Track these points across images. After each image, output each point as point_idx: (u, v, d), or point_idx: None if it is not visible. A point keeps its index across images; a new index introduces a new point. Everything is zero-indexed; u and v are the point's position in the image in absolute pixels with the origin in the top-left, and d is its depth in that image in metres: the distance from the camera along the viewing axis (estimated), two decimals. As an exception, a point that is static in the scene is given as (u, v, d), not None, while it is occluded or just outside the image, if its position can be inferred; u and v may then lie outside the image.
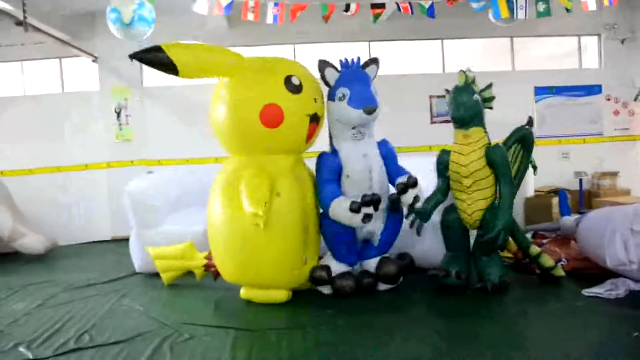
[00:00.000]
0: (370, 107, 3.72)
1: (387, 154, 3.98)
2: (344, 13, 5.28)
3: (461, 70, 3.74)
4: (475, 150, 3.67)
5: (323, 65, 3.90)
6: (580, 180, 7.01)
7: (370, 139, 3.95)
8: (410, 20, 6.92)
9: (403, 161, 4.09)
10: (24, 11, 5.06)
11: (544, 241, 4.55)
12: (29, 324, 3.67)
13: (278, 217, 3.53)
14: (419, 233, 3.88)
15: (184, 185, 5.35)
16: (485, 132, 3.78)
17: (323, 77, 3.90)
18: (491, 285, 3.74)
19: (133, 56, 3.33)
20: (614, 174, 7.23)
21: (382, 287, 3.99)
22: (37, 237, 5.96)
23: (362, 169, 3.85)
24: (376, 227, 3.93)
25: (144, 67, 7.24)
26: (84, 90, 7.06)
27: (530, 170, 5.87)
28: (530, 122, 4.04)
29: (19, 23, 5.09)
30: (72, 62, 7.21)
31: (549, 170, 6.97)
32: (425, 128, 7.33)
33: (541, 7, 5.44)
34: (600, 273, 3.84)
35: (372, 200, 3.51)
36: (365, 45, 7.47)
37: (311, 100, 3.73)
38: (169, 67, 3.32)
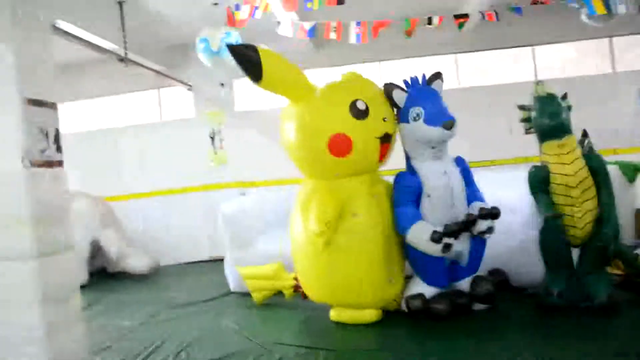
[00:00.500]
0: (449, 121, 3.57)
1: (465, 171, 3.86)
2: (428, 26, 5.19)
3: (538, 81, 3.72)
4: (577, 158, 3.50)
5: (389, 87, 3.78)
6: None
7: (447, 156, 3.84)
8: (498, 28, 6.69)
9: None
10: (125, 48, 5.47)
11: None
12: (134, 340, 3.93)
13: (357, 237, 3.56)
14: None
15: (275, 205, 5.45)
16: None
17: (391, 100, 3.78)
18: (599, 302, 3.46)
19: (230, 47, 3.44)
20: None
21: (477, 306, 3.80)
22: (141, 258, 6.38)
23: (444, 187, 3.71)
24: (463, 247, 3.74)
25: (236, 92, 7.61)
26: (180, 118, 7.52)
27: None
28: (584, 135, 3.71)
29: (121, 59, 5.53)
30: (169, 91, 7.71)
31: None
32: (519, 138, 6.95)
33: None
34: None
35: (455, 231, 3.45)
36: (452, 58, 7.29)
37: (379, 121, 3.61)
38: (255, 68, 3.35)
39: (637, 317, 3.40)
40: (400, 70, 7.33)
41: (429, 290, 3.76)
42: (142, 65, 6.08)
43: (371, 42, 5.59)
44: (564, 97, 3.64)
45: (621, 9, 5.02)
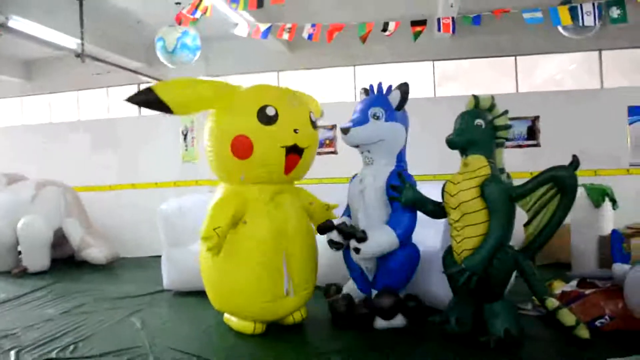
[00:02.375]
0: (342, 128, 3.75)
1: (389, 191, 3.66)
2: (382, 32, 5.01)
3: (472, 95, 3.43)
4: (468, 180, 3.27)
5: (362, 91, 4.01)
6: (685, 218, 5.82)
7: (381, 166, 3.74)
8: (480, 36, 6.46)
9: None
10: (82, 44, 5.57)
11: (587, 291, 3.77)
12: (40, 330, 3.97)
13: (243, 245, 3.46)
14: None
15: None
16: (491, 162, 3.32)
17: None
18: (494, 340, 3.20)
19: (128, 100, 3.38)
20: None
21: (380, 324, 3.67)
22: (101, 249, 6.46)
23: (357, 194, 3.77)
24: (366, 262, 3.74)
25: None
26: (156, 114, 7.54)
27: (608, 204, 5.16)
28: (575, 162, 3.24)
29: (78, 56, 5.63)
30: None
31: (647, 204, 5.93)
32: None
33: (615, 12, 4.68)
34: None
35: (334, 227, 3.65)
36: (429, 65, 7.05)
37: (288, 131, 3.48)
38: (160, 106, 3.33)
39: (535, 356, 3.14)
40: (375, 76, 7.16)
41: (357, 295, 3.88)
42: (101, 61, 6.14)
43: (349, 46, 5.50)
44: (501, 114, 3.35)
45: (588, 20, 4.71)
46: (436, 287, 3.84)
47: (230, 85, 3.68)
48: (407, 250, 3.67)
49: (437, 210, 3.56)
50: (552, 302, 3.24)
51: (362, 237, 3.45)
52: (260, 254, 3.47)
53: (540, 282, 3.33)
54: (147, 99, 3.33)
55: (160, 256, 4.96)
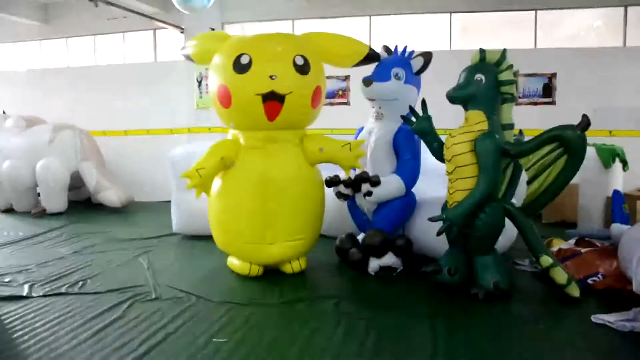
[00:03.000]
0: (364, 79, 3.90)
1: (398, 142, 3.92)
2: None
3: (479, 48, 3.38)
4: (463, 134, 3.29)
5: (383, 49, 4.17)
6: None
7: (390, 122, 3.96)
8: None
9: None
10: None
11: (583, 250, 3.80)
12: (52, 267, 4.19)
13: (229, 187, 3.69)
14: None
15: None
16: (490, 118, 3.28)
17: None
18: (483, 292, 3.28)
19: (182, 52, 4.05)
20: None
21: (373, 265, 3.86)
22: (116, 192, 6.64)
23: (365, 146, 3.96)
24: (367, 205, 3.99)
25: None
26: (172, 60, 7.59)
27: (618, 165, 5.08)
28: (584, 123, 3.08)
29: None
30: (164, 34, 7.77)
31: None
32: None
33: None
34: (637, 298, 3.11)
35: (337, 182, 3.84)
36: (446, 17, 6.86)
37: (263, 79, 3.42)
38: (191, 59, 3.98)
39: (522, 311, 3.19)
40: (390, 27, 7.01)
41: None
42: (115, 5, 6.11)
43: None
44: (506, 69, 3.26)
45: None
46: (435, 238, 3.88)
47: (225, 36, 3.85)
48: (408, 197, 3.98)
49: (440, 151, 3.56)
50: (546, 260, 3.26)
51: (377, 181, 3.73)
52: (242, 197, 3.63)
53: (538, 239, 3.35)
54: (183, 54, 4.01)
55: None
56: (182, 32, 7.44)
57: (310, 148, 3.78)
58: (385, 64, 3.97)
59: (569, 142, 3.11)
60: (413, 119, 3.68)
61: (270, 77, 3.42)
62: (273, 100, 3.45)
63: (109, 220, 6.15)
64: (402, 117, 3.74)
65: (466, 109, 3.37)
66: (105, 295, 3.48)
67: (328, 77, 4.01)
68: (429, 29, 7.00)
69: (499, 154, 3.23)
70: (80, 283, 3.74)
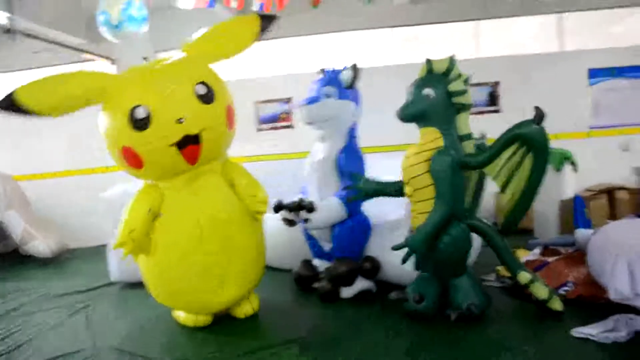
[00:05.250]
0: (295, 106, 4.00)
1: (340, 161, 3.79)
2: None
3: (426, 59, 3.15)
4: (419, 153, 3.09)
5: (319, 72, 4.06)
6: (642, 179, 5.80)
7: (334, 142, 3.85)
8: (439, 1, 6.24)
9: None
10: (11, 19, 5.07)
11: (550, 259, 3.68)
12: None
13: (162, 240, 3.18)
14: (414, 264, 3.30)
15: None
16: (445, 134, 3.09)
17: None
18: (456, 314, 3.09)
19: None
20: (687, 172, 5.91)
21: (346, 292, 3.75)
22: (46, 241, 6.05)
23: (308, 167, 3.95)
24: (319, 232, 3.92)
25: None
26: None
27: (569, 168, 5.07)
28: (539, 116, 2.92)
29: (7, 31, 5.12)
30: (95, 65, 7.29)
31: (606, 166, 5.89)
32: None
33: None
34: (611, 304, 2.98)
35: (281, 207, 3.72)
36: (387, 32, 6.80)
37: (171, 126, 2.91)
38: (25, 113, 2.87)
39: (500, 330, 3.00)
40: (335, 44, 6.87)
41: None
42: (35, 37, 5.62)
43: (307, 13, 5.20)
44: (456, 78, 3.08)
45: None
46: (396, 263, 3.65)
47: (102, 77, 3.11)
48: (356, 219, 3.83)
49: (399, 190, 3.37)
50: (525, 277, 3.09)
51: (310, 207, 3.58)
52: (179, 246, 3.17)
53: (512, 255, 3.19)
54: (6, 105, 2.84)
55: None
56: (112, 64, 6.99)
57: (227, 178, 3.37)
58: (316, 86, 3.89)
59: (530, 139, 2.90)
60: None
61: (178, 121, 2.91)
62: (189, 144, 2.99)
63: (40, 274, 5.55)
64: (345, 188, 3.55)
65: (420, 125, 3.17)
66: (35, 368, 3.02)
67: (269, 102, 3.76)
68: (370, 44, 6.91)
69: (456, 170, 3.03)
70: (4, 357, 3.22)
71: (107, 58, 6.89)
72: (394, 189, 3.41)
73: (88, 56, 6.69)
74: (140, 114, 2.88)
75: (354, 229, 3.80)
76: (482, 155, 3.07)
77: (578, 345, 2.71)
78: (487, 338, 2.92)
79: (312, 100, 3.79)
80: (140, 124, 2.88)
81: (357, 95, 3.95)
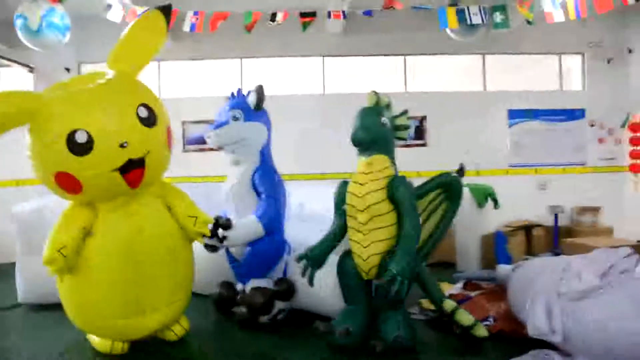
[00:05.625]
0: (206, 134, 3.94)
1: (254, 182, 3.82)
2: (270, 23, 4.72)
3: (373, 91, 3.25)
4: (375, 181, 3.11)
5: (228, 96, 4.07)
6: (556, 216, 6.19)
7: (247, 165, 3.87)
8: (370, 34, 6.42)
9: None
10: None
11: (472, 294, 3.82)
12: None
13: (91, 260, 2.99)
14: (311, 282, 3.32)
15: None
16: (393, 163, 3.23)
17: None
18: (381, 346, 3.09)
19: None
20: (596, 210, 6.43)
21: (264, 318, 3.71)
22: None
23: (226, 191, 3.92)
24: (237, 249, 3.83)
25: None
26: (17, 102, 6.65)
27: (490, 204, 5.32)
28: (461, 170, 3.37)
29: None
30: (10, 72, 6.84)
31: (523, 203, 6.26)
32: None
33: (498, 17, 4.78)
34: (530, 339, 3.10)
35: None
36: (319, 61, 6.92)
37: (114, 150, 2.78)
38: None
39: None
40: (264, 70, 6.89)
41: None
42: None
43: (237, 36, 5.13)
44: (401, 114, 3.28)
45: (476, 19, 4.77)
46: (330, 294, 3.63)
47: (32, 96, 2.91)
48: (272, 238, 3.78)
49: (339, 236, 3.37)
50: (450, 304, 3.22)
51: (227, 224, 3.48)
52: (109, 269, 3.00)
53: (436, 286, 3.30)
54: None
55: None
56: (30, 72, 6.57)
57: (166, 202, 3.29)
58: (222, 110, 3.94)
59: (453, 187, 3.31)
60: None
61: (121, 145, 2.78)
62: (133, 168, 2.87)
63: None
64: (297, 259, 3.38)
65: (368, 153, 3.17)
66: None
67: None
68: (302, 72, 7.00)
69: (415, 198, 3.16)
70: None
71: (25, 66, 6.47)
72: (336, 238, 3.38)
73: (4, 62, 6.24)
74: (81, 138, 2.70)
75: (264, 248, 3.75)
76: (419, 190, 3.28)
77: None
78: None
79: (219, 125, 3.83)
80: (80, 148, 2.71)
81: (266, 116, 4.00)
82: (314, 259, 3.28)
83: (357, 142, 3.16)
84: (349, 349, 3.17)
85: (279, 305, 3.76)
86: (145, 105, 2.95)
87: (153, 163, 2.99)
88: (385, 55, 6.87)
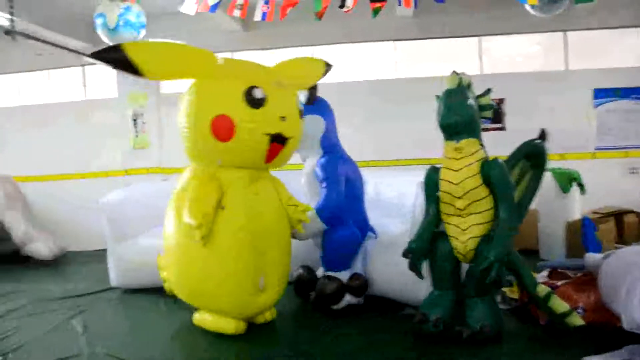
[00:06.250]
0: None
1: (317, 175, 3.84)
2: (339, 9, 4.67)
3: (454, 71, 3.17)
4: (469, 165, 3.04)
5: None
6: (650, 202, 5.75)
7: (312, 158, 3.94)
8: (443, 15, 6.22)
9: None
10: (12, 20, 5.07)
11: (559, 283, 3.62)
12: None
13: (220, 234, 3.15)
14: (420, 275, 3.26)
15: (165, 197, 5.06)
16: (482, 145, 3.15)
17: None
18: (468, 333, 3.02)
19: (91, 55, 2.99)
20: (696, 195, 5.89)
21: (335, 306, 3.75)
22: (46, 243, 6.00)
23: (302, 183, 4.01)
24: (314, 240, 3.96)
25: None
26: (103, 98, 7.09)
27: (576, 189, 5.04)
28: (543, 135, 3.33)
29: (7, 33, 5.10)
30: (95, 69, 7.28)
31: (612, 188, 5.87)
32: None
33: (581, -8, 4.46)
34: (625, 332, 2.92)
35: None
36: (390, 45, 6.80)
37: (275, 119, 3.20)
38: (128, 67, 2.95)
39: (510, 353, 2.94)
40: (333, 57, 6.82)
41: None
42: (36, 39, 5.57)
43: (306, 24, 5.18)
44: (485, 93, 3.19)
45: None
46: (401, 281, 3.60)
47: (211, 54, 3.29)
48: (343, 231, 3.78)
49: (436, 223, 3.30)
50: (543, 289, 3.09)
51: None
52: (237, 243, 3.19)
53: (529, 270, 3.18)
54: (114, 57, 2.91)
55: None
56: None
57: (280, 193, 3.57)
58: None
59: (538, 154, 3.30)
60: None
61: (282, 118, 3.21)
62: (278, 142, 3.24)
63: (39, 276, 5.49)
64: (403, 255, 3.27)
65: (457, 138, 3.09)
66: (31, 374, 2.94)
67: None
68: (372, 57, 6.90)
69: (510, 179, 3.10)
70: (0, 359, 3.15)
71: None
72: (434, 226, 3.31)
73: (89, 60, 6.63)
74: (258, 94, 3.13)
75: (339, 241, 3.78)
76: (507, 164, 3.21)
77: (589, 374, 2.64)
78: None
79: None
80: (254, 102, 3.11)
81: (324, 107, 4.01)
82: (419, 251, 3.22)
83: (447, 126, 3.10)
84: (434, 334, 3.12)
85: (349, 299, 3.77)
86: (298, 99, 3.47)
87: (289, 149, 3.38)
88: (458, 37, 6.63)
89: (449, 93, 3.12)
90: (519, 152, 3.32)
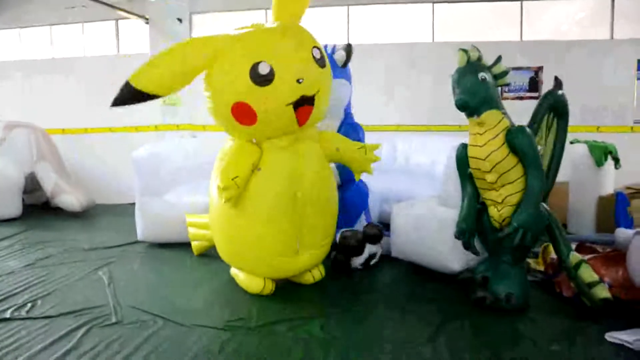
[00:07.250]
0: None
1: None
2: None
3: (460, 49, 3.08)
4: (493, 138, 2.98)
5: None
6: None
7: (332, 120, 3.98)
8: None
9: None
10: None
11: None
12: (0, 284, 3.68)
13: (256, 193, 3.17)
14: (476, 252, 3.28)
15: (195, 154, 5.10)
16: (504, 114, 3.06)
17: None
18: (491, 299, 3.07)
19: (114, 104, 2.98)
20: None
21: (356, 262, 3.88)
22: (76, 195, 6.13)
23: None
24: None
25: (194, 28, 7.12)
26: (136, 52, 7.08)
27: (610, 163, 4.86)
28: (558, 83, 3.27)
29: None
30: (128, 24, 7.26)
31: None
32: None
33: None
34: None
35: None
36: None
37: (291, 85, 3.02)
38: (144, 97, 2.93)
39: (532, 324, 2.91)
40: (369, 17, 6.67)
41: None
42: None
43: None
44: (495, 62, 3.08)
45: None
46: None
47: (214, 40, 3.08)
48: (352, 188, 4.06)
49: (476, 199, 3.27)
50: (576, 257, 3.04)
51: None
52: (274, 206, 3.20)
53: (566, 239, 3.13)
54: (127, 96, 2.91)
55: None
56: (146, 23, 6.91)
57: (328, 146, 3.50)
58: None
59: (561, 103, 3.21)
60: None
61: (298, 81, 3.02)
62: (304, 105, 3.10)
63: (68, 227, 5.64)
64: (456, 236, 3.28)
65: (477, 113, 3.01)
66: (57, 319, 3.03)
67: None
68: (410, 20, 6.67)
69: (536, 144, 3.03)
70: (29, 305, 3.26)
71: (141, 17, 6.82)
72: (475, 202, 3.28)
73: (122, 14, 6.62)
74: (263, 70, 2.94)
75: (351, 197, 4.01)
76: (534, 121, 3.20)
77: (611, 351, 2.58)
78: (516, 331, 2.84)
79: None
80: (262, 79, 2.95)
81: (349, 75, 4.06)
82: (469, 231, 3.22)
83: (462, 107, 3.02)
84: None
85: (370, 248, 3.88)
86: (317, 48, 3.20)
87: (321, 103, 3.23)
88: (498, 1, 6.34)
89: (460, 72, 3.06)
90: (543, 106, 3.24)
